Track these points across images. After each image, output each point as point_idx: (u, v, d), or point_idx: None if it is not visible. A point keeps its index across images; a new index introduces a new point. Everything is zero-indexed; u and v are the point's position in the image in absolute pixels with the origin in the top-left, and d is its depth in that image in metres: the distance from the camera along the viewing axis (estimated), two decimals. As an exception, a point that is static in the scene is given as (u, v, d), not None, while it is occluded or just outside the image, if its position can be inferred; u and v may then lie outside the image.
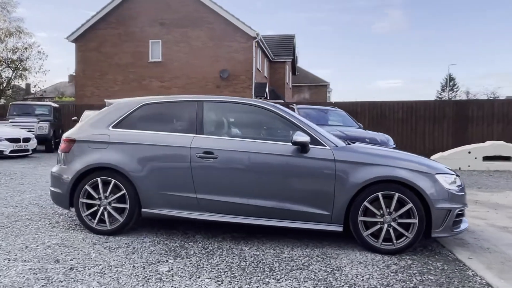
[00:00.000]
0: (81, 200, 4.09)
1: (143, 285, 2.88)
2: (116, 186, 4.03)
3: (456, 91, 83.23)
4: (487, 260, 3.59)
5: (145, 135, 4.10)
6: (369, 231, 3.72)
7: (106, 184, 4.05)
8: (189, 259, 3.43)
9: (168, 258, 3.45)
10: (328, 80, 38.13)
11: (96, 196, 4.06)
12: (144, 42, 19.35)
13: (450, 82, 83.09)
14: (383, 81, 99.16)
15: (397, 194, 3.66)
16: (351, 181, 3.71)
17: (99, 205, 4.06)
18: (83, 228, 4.27)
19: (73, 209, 4.19)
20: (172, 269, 3.19)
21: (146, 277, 3.03)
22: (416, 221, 3.64)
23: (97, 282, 2.91)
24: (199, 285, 2.89)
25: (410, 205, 3.64)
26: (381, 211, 3.70)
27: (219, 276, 3.07)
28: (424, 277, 3.15)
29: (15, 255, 3.41)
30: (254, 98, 19.76)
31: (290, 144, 3.84)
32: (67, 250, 3.57)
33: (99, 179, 4.04)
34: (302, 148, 3.80)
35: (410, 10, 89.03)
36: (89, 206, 4.11)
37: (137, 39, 19.38)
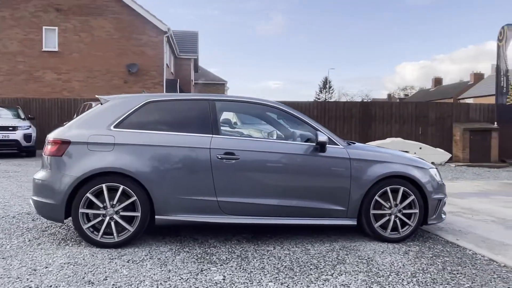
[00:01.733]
0: (81, 210, 3.58)
1: (214, 296, 2.72)
2: (123, 193, 3.63)
3: (332, 92, 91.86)
4: (470, 240, 4.24)
5: (158, 136, 3.77)
6: (379, 223, 4.06)
7: (111, 191, 3.62)
8: (229, 265, 3.31)
9: (206, 265, 3.28)
10: (225, 79, 38.65)
11: (101, 205, 3.60)
12: (37, 28, 17.05)
13: (327, 85, 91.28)
14: (271, 81, 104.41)
15: (402, 188, 4.08)
16: (365, 177, 4.00)
17: (104, 215, 3.61)
18: (80, 241, 3.74)
19: (66, 222, 3.64)
20: (225, 276, 3.05)
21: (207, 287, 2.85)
22: (417, 211, 4.11)
23: (162, 299, 2.64)
24: (270, 289, 2.84)
25: (412, 197, 4.09)
26: (389, 204, 4.07)
27: (278, 278, 3.06)
28: (442, 260, 3.60)
29: (31, 282, 2.85)
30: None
31: (308, 143, 3.99)
32: (88, 269, 3.11)
33: (104, 185, 3.59)
34: (321, 147, 3.95)
35: (293, 15, 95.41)
36: (90, 217, 3.62)
37: (27, 24, 16.98)
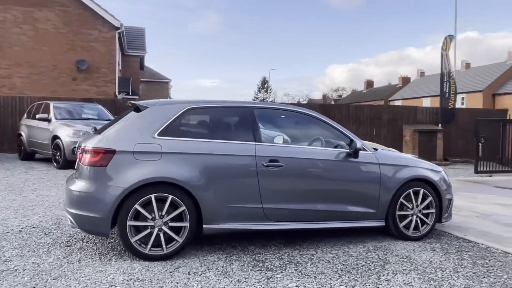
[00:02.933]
0: (129, 223, 3.41)
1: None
2: (171, 203, 3.52)
3: (270, 92, 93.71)
4: (475, 235, 4.71)
5: (205, 144, 3.71)
6: (403, 223, 4.36)
7: (159, 201, 3.49)
8: (288, 271, 3.37)
9: (268, 273, 3.32)
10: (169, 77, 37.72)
11: (149, 216, 3.46)
12: (-31, 18, 15.34)
13: (265, 84, 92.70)
14: (207, 80, 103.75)
15: (422, 190, 4.42)
16: (393, 181, 4.28)
17: (152, 227, 3.47)
18: (120, 255, 3.56)
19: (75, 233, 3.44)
20: (296, 283, 3.12)
21: (288, 295, 2.90)
22: (434, 210, 4.48)
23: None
24: (347, 293, 2.97)
25: (430, 198, 4.45)
26: (411, 205, 4.39)
27: (344, 281, 3.19)
28: (467, 255, 3.98)
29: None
30: (118, 93, 18.22)
31: (342, 149, 4.17)
32: (157, 284, 2.99)
33: (152, 196, 3.45)
34: (354, 153, 4.15)
35: (228, 14, 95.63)
36: (138, 229, 3.46)
37: (-42, 13, 15.20)
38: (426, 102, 44.11)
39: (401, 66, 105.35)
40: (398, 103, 47.41)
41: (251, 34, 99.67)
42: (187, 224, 3.55)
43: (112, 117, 10.82)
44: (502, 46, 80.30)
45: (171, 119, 3.71)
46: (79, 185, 3.49)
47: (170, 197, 3.49)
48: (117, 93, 17.73)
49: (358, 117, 14.97)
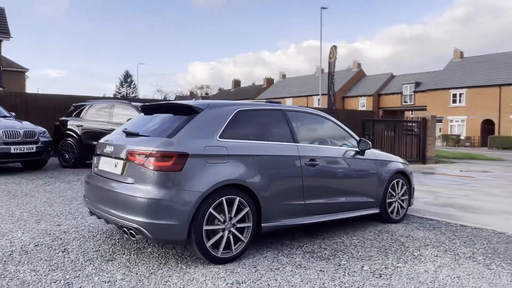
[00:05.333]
0: (205, 227, 3.34)
1: None
2: (237, 205, 3.58)
3: (134, 87, 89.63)
4: (430, 215, 5.87)
5: (260, 146, 3.85)
6: (390, 209, 5.21)
7: (228, 204, 3.51)
8: (345, 257, 3.80)
9: (330, 263, 3.68)
10: (26, 67, 32.87)
11: (221, 219, 3.45)
12: None
13: (128, 79, 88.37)
14: (51, 70, 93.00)
15: (401, 180, 5.35)
16: (385, 173, 5.08)
17: (223, 230, 3.47)
18: (181, 259, 3.44)
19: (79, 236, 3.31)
20: (367, 266, 3.57)
21: (373, 276, 3.34)
22: (407, 197, 5.46)
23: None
24: (422, 271, 3.57)
25: (405, 186, 5.42)
26: (395, 193, 5.27)
27: (396, 259, 3.78)
28: (443, 230, 5.02)
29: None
30: None
31: (352, 148, 4.78)
32: (267, 283, 3.07)
33: (223, 198, 3.46)
34: (362, 151, 4.81)
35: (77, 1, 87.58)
36: (209, 234, 3.42)
37: None
38: (289, 102, 48.50)
39: (257, 67, 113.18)
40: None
41: (105, 23, 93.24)
42: (250, 224, 3.65)
43: (8, 114, 9.30)
44: (343, 55, 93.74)
45: (227, 122, 3.73)
46: (153, 193, 3.24)
47: (238, 198, 3.54)
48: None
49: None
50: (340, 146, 4.79)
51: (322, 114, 4.79)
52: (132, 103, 9.77)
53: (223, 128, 3.67)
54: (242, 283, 3.09)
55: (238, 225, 3.58)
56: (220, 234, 3.46)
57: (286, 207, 3.96)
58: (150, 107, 4.22)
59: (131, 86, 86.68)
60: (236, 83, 64.24)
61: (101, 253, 3.69)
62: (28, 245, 3.87)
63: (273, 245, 4.08)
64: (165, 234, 3.26)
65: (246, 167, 3.64)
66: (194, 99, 4.51)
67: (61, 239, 4.09)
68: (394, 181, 5.23)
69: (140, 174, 3.34)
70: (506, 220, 5.70)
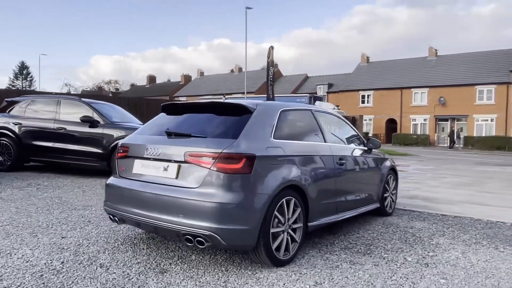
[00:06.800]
0: (272, 230, 3.27)
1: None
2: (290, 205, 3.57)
3: (31, 80, 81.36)
4: (411, 207, 6.43)
5: (307, 145, 3.90)
6: (386, 203, 5.61)
7: (286, 205, 3.48)
8: (382, 253, 4.02)
9: (384, 257, 3.87)
10: None
11: (282, 221, 3.40)
12: None
13: (23, 71, 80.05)
14: None
15: (392, 176, 5.80)
16: (384, 169, 5.46)
17: (283, 231, 3.44)
18: (247, 265, 3.33)
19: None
20: (409, 258, 3.83)
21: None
22: (396, 191, 5.94)
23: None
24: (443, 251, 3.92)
25: (395, 181, 5.89)
26: (389, 188, 5.69)
27: (421, 249, 4.11)
28: (433, 220, 5.56)
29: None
30: None
31: (361, 147, 5.05)
32: (370, 278, 3.12)
33: (284, 200, 3.42)
34: (369, 150, 5.10)
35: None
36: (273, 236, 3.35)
37: None
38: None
39: (168, 63, 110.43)
40: (183, 99, 49.94)
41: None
42: (301, 224, 3.66)
43: None
44: (253, 55, 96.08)
45: (276, 122, 3.68)
46: (226, 197, 3.05)
47: (293, 199, 3.53)
48: None
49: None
50: (352, 144, 5.02)
51: (335, 114, 4.96)
52: (82, 99, 8.93)
53: (274, 128, 3.62)
54: (322, 283, 3.10)
55: (294, 226, 3.57)
56: (281, 236, 3.41)
57: (324, 206, 4.05)
58: (176, 106, 3.95)
59: (27, 79, 78.35)
60: (151, 78, 61.84)
61: (145, 264, 3.38)
62: (51, 263, 3.37)
63: (307, 244, 4.13)
64: (238, 239, 3.12)
65: (298, 167, 3.64)
66: (224, 97, 4.31)
67: (83, 253, 3.63)
68: (389, 176, 5.64)
69: (206, 177, 3.13)
70: (471, 209, 6.51)
